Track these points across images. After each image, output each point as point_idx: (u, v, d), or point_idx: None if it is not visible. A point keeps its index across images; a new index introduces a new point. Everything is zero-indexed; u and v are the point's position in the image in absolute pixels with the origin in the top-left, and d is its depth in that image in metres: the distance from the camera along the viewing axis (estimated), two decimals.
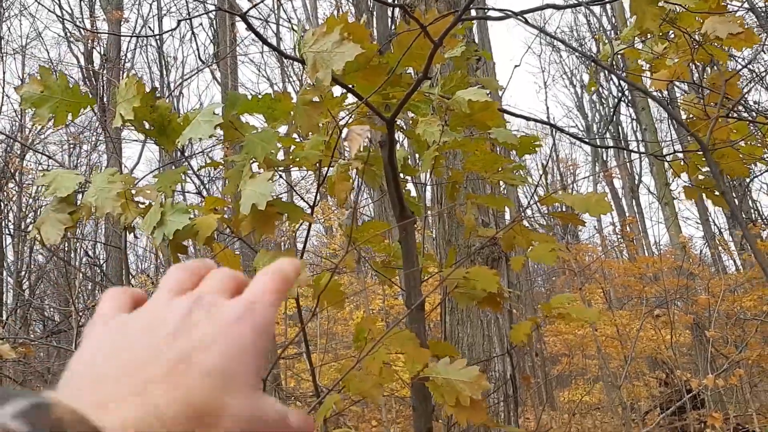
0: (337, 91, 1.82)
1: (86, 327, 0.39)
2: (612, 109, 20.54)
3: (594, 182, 22.26)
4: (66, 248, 10.95)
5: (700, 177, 2.40)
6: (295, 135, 1.81)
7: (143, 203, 1.44)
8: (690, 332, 12.31)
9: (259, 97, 1.55)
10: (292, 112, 1.64)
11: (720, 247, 15.56)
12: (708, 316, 9.72)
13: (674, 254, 12.86)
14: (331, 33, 1.35)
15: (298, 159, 1.78)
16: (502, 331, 4.02)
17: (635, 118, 18.09)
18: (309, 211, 1.81)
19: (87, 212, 1.33)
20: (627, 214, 18.79)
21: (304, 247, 1.69)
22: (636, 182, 20.67)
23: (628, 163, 20.22)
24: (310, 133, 1.65)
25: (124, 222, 1.34)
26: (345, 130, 1.49)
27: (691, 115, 2.31)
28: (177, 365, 0.33)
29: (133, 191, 1.34)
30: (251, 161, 1.48)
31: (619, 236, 17.89)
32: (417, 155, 2.31)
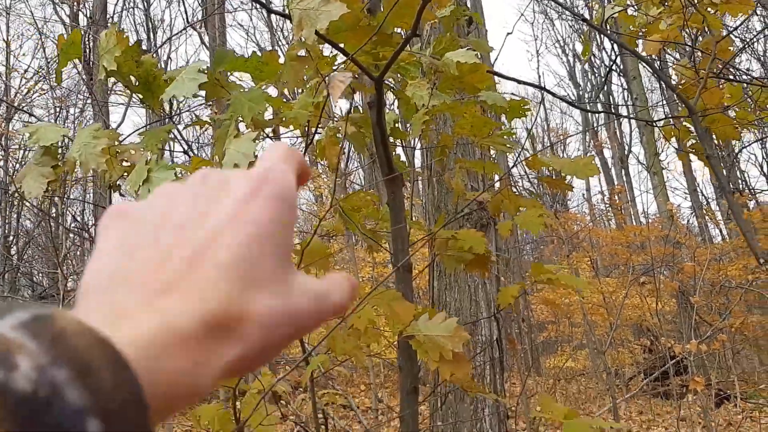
0: (329, 51, 1.80)
1: (98, 225, 0.33)
2: (603, 78, 20.48)
3: (584, 152, 22.27)
4: (54, 213, 10.87)
5: (691, 142, 2.40)
6: (284, 96, 1.79)
7: (128, 162, 1.43)
8: (675, 300, 12.47)
9: (247, 57, 1.52)
10: (280, 72, 1.62)
11: (707, 217, 15.69)
12: (693, 284, 9.85)
13: (662, 223, 12.96)
14: None
15: (285, 119, 1.76)
16: (489, 296, 4.05)
17: (626, 87, 18.04)
18: None
19: (71, 167, 1.31)
20: (616, 184, 18.85)
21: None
22: (626, 152, 20.72)
23: (617, 133, 20.23)
24: (297, 93, 1.63)
25: (108, 180, 1.33)
26: (327, 77, 1.47)
27: (682, 81, 2.31)
28: (189, 265, 0.29)
29: (118, 150, 1.33)
30: (238, 121, 1.46)
31: (607, 205, 18.00)
32: (407, 120, 2.29)
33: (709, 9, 2.15)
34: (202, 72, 1.34)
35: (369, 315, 1.60)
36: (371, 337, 1.62)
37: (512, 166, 2.58)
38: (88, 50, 11.44)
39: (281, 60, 1.66)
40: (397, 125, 2.43)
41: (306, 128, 1.86)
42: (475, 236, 2.04)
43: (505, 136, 2.20)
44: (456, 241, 2.06)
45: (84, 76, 10.82)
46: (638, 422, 9.29)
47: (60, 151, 1.36)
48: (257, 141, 1.32)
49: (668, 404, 10.49)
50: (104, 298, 0.29)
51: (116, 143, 1.33)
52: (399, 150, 2.66)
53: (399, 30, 1.91)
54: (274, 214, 0.31)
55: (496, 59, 4.38)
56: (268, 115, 1.77)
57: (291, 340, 0.32)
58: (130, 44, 1.28)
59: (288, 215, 0.32)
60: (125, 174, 1.33)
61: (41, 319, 0.24)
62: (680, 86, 2.39)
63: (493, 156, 4.20)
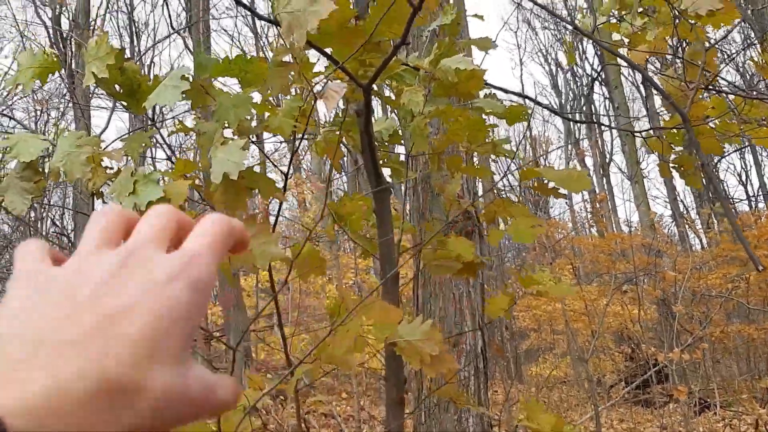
0: (315, 57, 1.78)
1: (8, 283, 0.33)
2: (590, 83, 20.66)
3: (566, 160, 22.44)
4: (32, 218, 10.74)
5: (673, 156, 2.41)
6: (269, 101, 1.76)
7: (112, 168, 1.39)
8: (656, 308, 12.57)
9: (231, 58, 1.49)
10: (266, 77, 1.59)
11: (687, 226, 15.85)
12: (674, 293, 9.93)
13: (644, 231, 13.07)
14: None
15: (270, 126, 1.73)
16: (474, 305, 4.04)
17: (608, 96, 18.22)
18: (282, 183, 1.78)
19: (55, 177, 1.28)
20: (597, 192, 19.01)
21: (276, 221, 1.65)
22: (607, 160, 20.89)
23: (599, 141, 20.41)
24: (282, 100, 1.61)
25: (92, 187, 1.29)
26: (323, 87, 1.45)
27: (667, 92, 2.31)
28: (96, 331, 0.29)
29: (101, 157, 1.29)
30: (224, 127, 1.43)
31: (589, 213, 18.12)
32: (404, 128, 2.27)
33: (691, 21, 2.16)
34: (185, 79, 1.31)
35: (356, 328, 1.58)
36: (359, 345, 1.60)
37: (504, 175, 2.57)
38: (70, 54, 11.32)
39: (268, 62, 1.64)
40: (396, 131, 2.40)
41: (292, 135, 1.84)
42: (464, 244, 2.03)
43: (502, 144, 2.19)
44: (444, 250, 2.05)
45: (65, 80, 10.71)
46: (619, 430, 9.32)
47: (41, 159, 1.33)
48: (246, 148, 1.30)
49: (649, 412, 10.55)
50: (4, 353, 0.29)
51: (99, 150, 1.29)
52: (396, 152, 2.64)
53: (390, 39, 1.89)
54: (189, 301, 0.32)
55: (479, 65, 4.38)
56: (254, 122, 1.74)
57: (178, 424, 0.31)
58: (114, 51, 1.25)
59: (199, 306, 0.33)
60: (110, 181, 1.30)
61: None
62: (668, 100, 2.39)
63: (476, 163, 4.19)
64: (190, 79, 1.39)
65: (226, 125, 1.45)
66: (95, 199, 1.35)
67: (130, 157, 1.30)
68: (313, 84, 1.60)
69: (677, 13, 1.99)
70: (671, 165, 2.24)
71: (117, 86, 1.33)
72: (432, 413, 3.62)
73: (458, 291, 4.09)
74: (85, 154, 1.23)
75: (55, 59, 1.40)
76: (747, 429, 8.25)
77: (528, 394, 10.98)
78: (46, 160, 1.45)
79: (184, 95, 1.36)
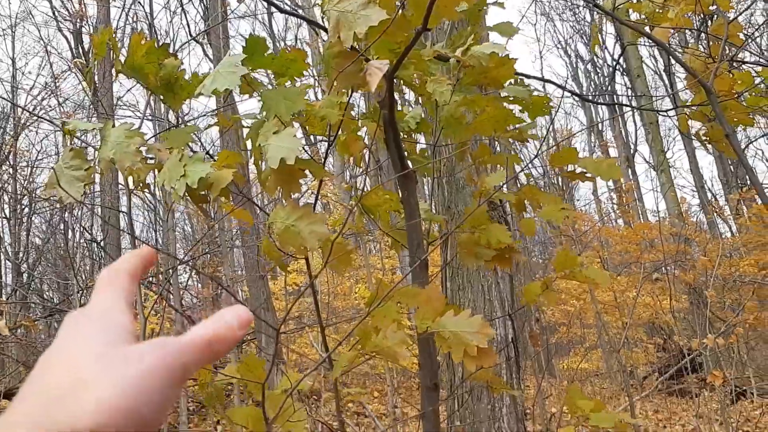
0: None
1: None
2: (611, 72, 20.44)
3: (590, 152, 22.25)
4: (63, 229, 10.94)
5: (703, 131, 2.39)
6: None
7: (153, 161, 1.44)
8: (687, 297, 12.40)
9: (275, 55, 1.52)
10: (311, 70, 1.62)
11: (715, 213, 15.62)
12: (705, 281, 9.79)
13: (672, 221, 12.92)
14: None
15: (316, 118, 1.75)
16: (503, 296, 4.04)
17: (630, 86, 18.02)
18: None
19: (106, 167, 1.33)
20: (623, 182, 18.83)
21: (316, 200, 1.68)
22: (631, 151, 20.68)
23: (623, 132, 20.20)
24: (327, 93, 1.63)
25: (136, 179, 1.34)
26: (364, 66, 1.46)
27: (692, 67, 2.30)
28: (77, 391, 0.33)
29: (143, 149, 1.34)
30: (276, 117, 1.45)
31: (615, 204, 17.94)
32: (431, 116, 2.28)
33: None
34: (240, 65, 1.34)
35: (393, 313, 1.59)
36: (404, 339, 1.61)
37: (531, 161, 2.58)
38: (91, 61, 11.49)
39: (308, 59, 1.66)
40: (424, 119, 2.41)
41: (329, 128, 1.86)
42: (498, 229, 2.04)
43: (528, 129, 2.19)
44: (479, 236, 2.05)
45: (88, 92, 10.89)
46: (654, 420, 9.23)
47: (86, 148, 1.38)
48: (297, 136, 1.34)
49: (684, 402, 10.43)
50: (21, 397, 0.35)
51: (143, 143, 1.34)
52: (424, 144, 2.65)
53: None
54: (95, 326, 0.38)
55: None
56: None
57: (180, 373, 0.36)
58: (159, 46, 1.29)
59: (106, 320, 0.39)
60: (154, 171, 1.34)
61: None
62: (690, 73, 2.38)
63: (499, 151, 4.18)
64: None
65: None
66: (140, 190, 1.39)
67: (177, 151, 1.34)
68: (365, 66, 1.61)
69: None
70: (704, 139, 2.23)
71: (154, 79, 1.37)
72: (465, 402, 3.64)
73: (487, 282, 4.10)
74: (135, 144, 1.28)
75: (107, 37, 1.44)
76: None
77: (560, 387, 10.91)
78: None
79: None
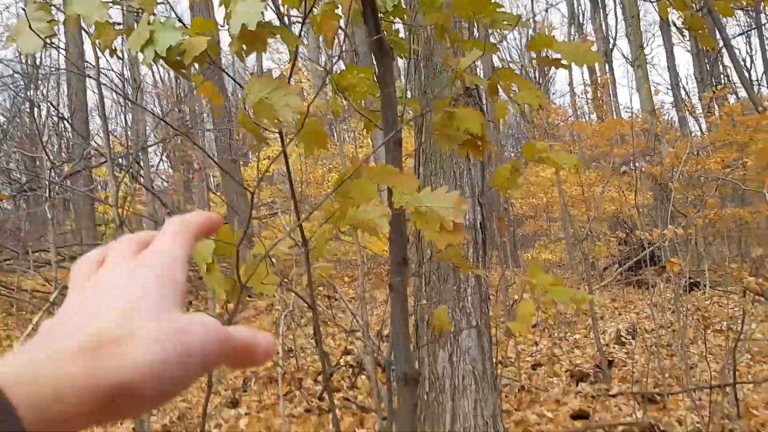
0: None
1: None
2: None
3: None
4: (29, 106, 10.61)
5: (682, 20, 2.37)
6: None
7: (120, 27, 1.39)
8: (652, 194, 12.71)
9: None
10: None
11: (687, 111, 15.74)
12: (671, 176, 10.02)
13: (644, 118, 13.00)
14: None
15: None
16: (474, 182, 4.10)
17: None
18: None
19: (73, 24, 1.29)
20: (599, 76, 18.73)
21: (291, 73, 1.65)
22: (610, 45, 20.44)
23: (603, 26, 19.86)
24: None
25: (104, 43, 1.30)
26: None
27: None
28: (94, 316, 0.37)
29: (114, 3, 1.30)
30: None
31: (590, 99, 17.92)
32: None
33: None
34: None
35: (371, 191, 1.62)
36: (377, 207, 1.63)
37: (500, 40, 2.54)
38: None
39: None
40: (400, 2, 2.34)
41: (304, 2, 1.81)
42: (471, 114, 2.03)
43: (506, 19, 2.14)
44: (451, 120, 2.05)
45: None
46: (611, 308, 9.70)
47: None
48: (264, 0, 1.30)
49: (640, 292, 10.93)
50: (28, 347, 0.36)
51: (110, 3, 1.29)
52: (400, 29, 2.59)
53: None
54: (156, 275, 0.40)
55: None
56: None
57: (185, 359, 0.37)
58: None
59: (174, 276, 0.41)
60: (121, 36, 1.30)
61: None
62: None
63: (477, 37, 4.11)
64: None
65: None
66: (110, 56, 1.36)
67: (145, 12, 1.30)
68: None
69: None
70: (683, 26, 2.22)
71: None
72: (431, 282, 3.77)
73: (458, 168, 4.14)
74: None
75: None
76: (734, 307, 8.57)
77: (523, 277, 11.31)
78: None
79: None
